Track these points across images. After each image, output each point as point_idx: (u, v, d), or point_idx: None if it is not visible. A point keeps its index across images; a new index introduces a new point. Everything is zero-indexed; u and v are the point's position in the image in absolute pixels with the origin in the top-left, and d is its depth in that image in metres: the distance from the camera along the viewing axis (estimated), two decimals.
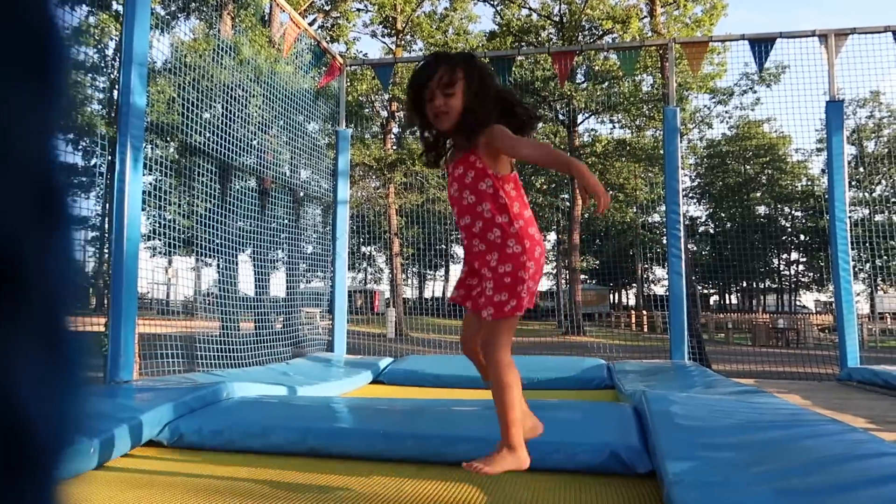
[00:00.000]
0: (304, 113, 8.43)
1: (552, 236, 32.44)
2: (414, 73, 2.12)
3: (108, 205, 6.86)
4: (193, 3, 15.08)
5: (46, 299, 0.22)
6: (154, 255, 10.08)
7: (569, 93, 21.82)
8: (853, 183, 25.15)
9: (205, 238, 6.41)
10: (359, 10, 21.68)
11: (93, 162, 13.12)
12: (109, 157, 7.75)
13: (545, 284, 42.82)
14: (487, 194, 2.06)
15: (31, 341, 0.21)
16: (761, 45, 6.99)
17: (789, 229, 36.50)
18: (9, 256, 0.21)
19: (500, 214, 2.06)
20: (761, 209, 35.65)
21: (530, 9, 22.76)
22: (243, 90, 7.50)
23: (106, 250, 9.06)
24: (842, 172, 6.82)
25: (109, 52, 18.69)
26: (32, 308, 0.21)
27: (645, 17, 19.43)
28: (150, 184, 6.23)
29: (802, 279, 39.36)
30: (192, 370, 5.56)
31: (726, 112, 30.39)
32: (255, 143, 8.02)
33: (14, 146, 0.22)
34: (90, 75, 18.69)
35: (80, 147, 13.28)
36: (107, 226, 7.55)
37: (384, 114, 23.76)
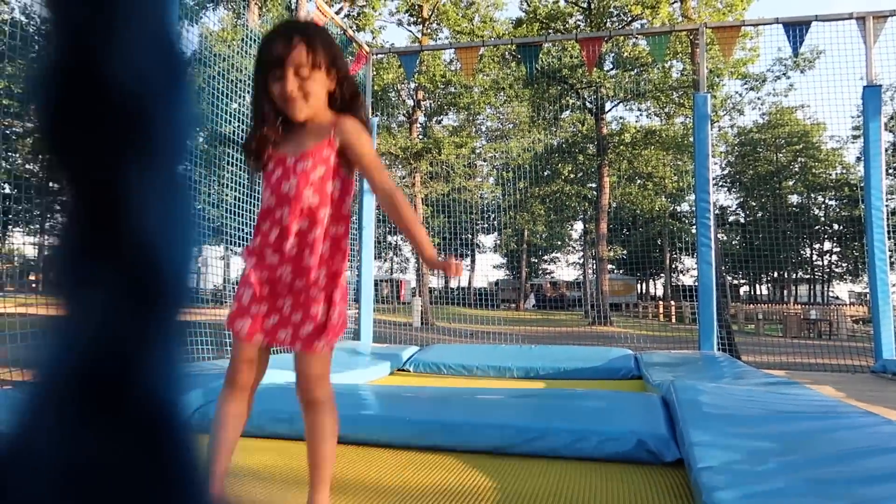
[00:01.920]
0: None
1: (578, 226, 32.25)
2: (260, 48, 1.74)
3: None
4: None
5: (169, 148, 0.24)
6: None
7: (597, 80, 21.58)
8: (890, 171, 24.55)
9: (233, 227, 6.49)
10: None
11: None
12: None
13: (572, 274, 42.63)
14: (332, 198, 1.74)
15: (154, 189, 0.23)
16: (796, 29, 6.83)
17: (822, 219, 35.77)
18: (139, 103, 0.23)
19: (337, 224, 1.76)
20: (794, 198, 34.98)
21: None
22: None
23: None
24: (879, 160, 6.65)
25: None
26: (157, 152, 0.23)
27: (675, 1, 19.10)
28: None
29: (836, 269, 38.59)
30: (221, 357, 5.65)
31: (758, 98, 29.81)
32: None
33: (159, 142, 0.24)
34: None
35: None
36: None
37: (410, 102, 23.76)
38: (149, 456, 0.22)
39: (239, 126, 6.75)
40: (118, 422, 0.22)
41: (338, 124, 1.74)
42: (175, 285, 0.23)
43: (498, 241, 31.70)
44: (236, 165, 6.90)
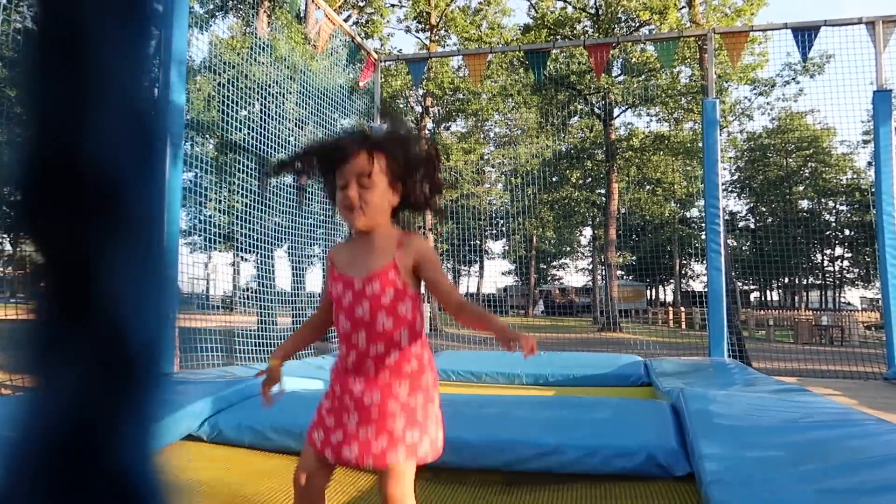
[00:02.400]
0: (339, 109, 8.50)
1: (587, 231, 32.17)
2: (330, 144, 1.75)
3: None
4: (231, 2, 15.30)
5: (143, 220, 0.24)
6: (193, 251, 10.29)
7: (605, 86, 21.56)
8: None
9: (243, 234, 6.51)
10: (393, 5, 21.76)
11: None
12: None
13: (582, 280, 42.54)
14: (406, 319, 1.68)
15: (127, 262, 0.23)
16: (805, 34, 6.80)
17: (833, 224, 35.53)
18: (113, 179, 0.23)
19: (415, 343, 1.71)
20: (804, 203, 34.77)
21: (565, 1, 22.54)
22: (279, 87, 7.59)
23: None
24: (889, 164, 6.61)
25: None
26: (130, 227, 0.24)
27: (683, 7, 19.08)
28: (190, 180, 6.35)
29: (847, 275, 38.30)
30: (230, 363, 5.66)
31: (768, 104, 29.69)
32: (291, 139, 8.11)
33: (112, 81, 0.24)
34: None
35: None
36: None
37: (418, 109, 23.82)
38: None
39: (248, 133, 6.79)
40: (88, 493, 0.22)
41: (404, 245, 1.70)
42: (147, 358, 0.23)
43: (506, 247, 31.67)
44: (246, 172, 6.94)
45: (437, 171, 1.78)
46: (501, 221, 26.00)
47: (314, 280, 8.77)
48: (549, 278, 44.36)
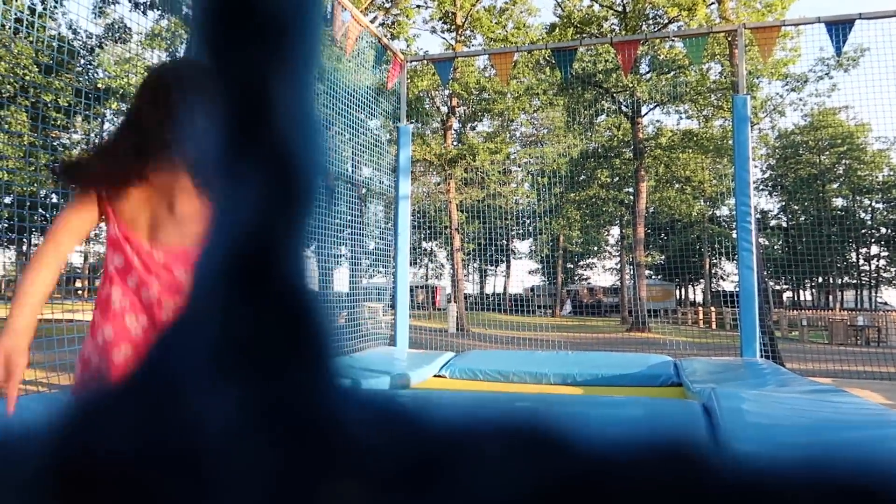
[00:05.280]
0: (366, 110, 8.54)
1: (615, 231, 31.90)
2: None
3: None
4: None
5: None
6: None
7: (632, 84, 21.36)
8: None
9: None
10: (419, 6, 21.82)
11: None
12: None
13: (609, 280, 42.21)
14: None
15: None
16: (839, 28, 6.66)
17: (869, 222, 34.74)
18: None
19: None
20: (838, 201, 34.06)
21: None
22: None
23: None
24: None
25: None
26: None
27: (712, 2, 18.82)
28: None
29: (884, 274, 37.42)
30: None
31: (800, 99, 29.15)
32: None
33: None
34: None
35: None
36: None
37: (444, 109, 23.85)
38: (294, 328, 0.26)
39: None
40: (269, 296, 0.25)
41: None
42: (308, 189, 0.27)
43: (533, 247, 31.56)
44: None
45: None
46: (528, 221, 25.89)
47: (341, 280, 8.83)
48: (576, 278, 44.10)
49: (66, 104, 8.95)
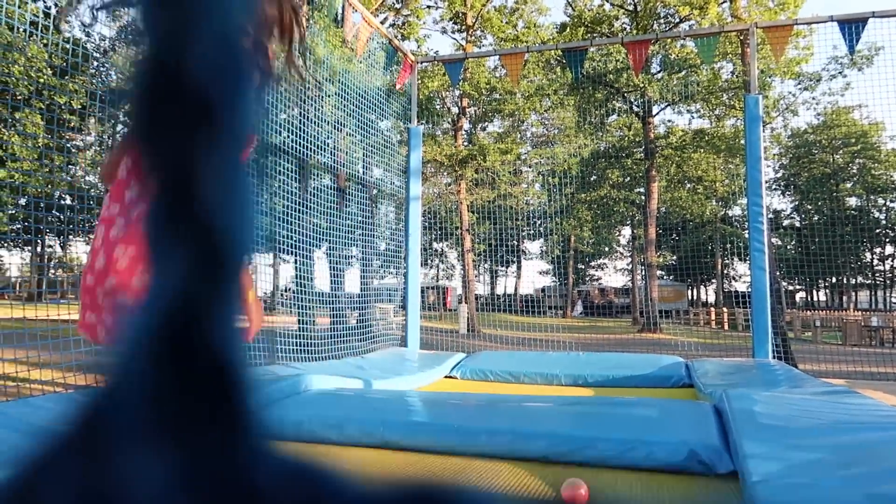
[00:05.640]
0: (377, 111, 8.57)
1: (626, 231, 31.77)
2: None
3: None
4: None
5: (235, 138, 0.29)
6: None
7: (643, 84, 21.26)
8: None
9: (283, 235, 6.62)
10: (429, 7, 21.83)
11: None
12: None
13: (621, 280, 42.05)
14: None
15: (221, 169, 0.28)
16: (852, 27, 6.61)
17: (884, 221, 34.40)
18: (213, 102, 0.27)
19: None
20: (852, 200, 33.74)
21: None
22: (318, 90, 7.69)
23: None
24: None
25: None
26: (225, 141, 0.28)
27: (724, 1, 18.71)
28: None
29: None
30: (272, 363, 5.75)
31: (813, 98, 28.90)
32: (329, 141, 8.21)
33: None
34: None
35: None
36: None
37: (455, 110, 23.85)
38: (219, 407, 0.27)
39: (287, 136, 6.90)
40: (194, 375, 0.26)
41: None
42: (237, 252, 0.28)
43: (544, 248, 31.48)
44: (286, 175, 7.05)
45: None
46: (539, 221, 25.83)
47: (353, 281, 8.86)
48: (587, 279, 43.95)
49: (80, 106, 9.04)
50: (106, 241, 1.48)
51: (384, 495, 0.28)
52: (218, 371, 0.26)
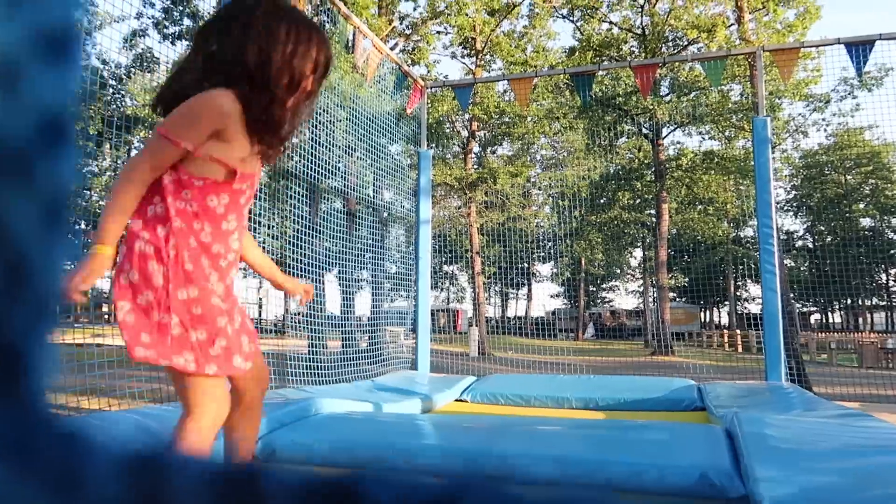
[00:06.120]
0: (387, 135, 8.66)
1: (638, 253, 31.66)
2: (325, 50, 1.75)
3: None
4: None
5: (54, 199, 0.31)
6: (246, 276, 10.55)
7: (651, 106, 21.35)
8: None
9: (293, 258, 6.67)
10: (439, 32, 22.11)
11: None
12: None
13: (632, 302, 41.81)
14: None
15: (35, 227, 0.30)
16: (859, 49, 6.63)
17: None
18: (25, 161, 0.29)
19: None
20: (865, 221, 33.50)
21: (611, 23, 22.50)
22: (329, 115, 7.79)
23: None
24: None
25: None
26: (40, 200, 0.30)
27: (732, 24, 18.83)
28: None
29: None
30: (283, 386, 5.76)
31: (823, 120, 28.87)
32: (340, 165, 8.30)
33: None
34: None
35: None
36: None
37: (464, 133, 24.02)
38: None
39: (299, 160, 6.98)
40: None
41: None
42: (43, 285, 0.30)
43: (554, 270, 31.42)
44: (298, 199, 7.12)
45: None
46: (549, 244, 25.83)
47: (363, 304, 8.88)
48: (598, 301, 43.75)
49: (96, 133, 9.19)
50: None
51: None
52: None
